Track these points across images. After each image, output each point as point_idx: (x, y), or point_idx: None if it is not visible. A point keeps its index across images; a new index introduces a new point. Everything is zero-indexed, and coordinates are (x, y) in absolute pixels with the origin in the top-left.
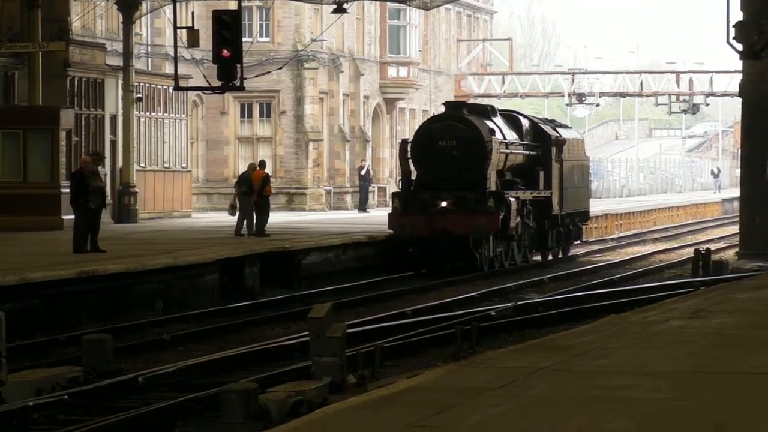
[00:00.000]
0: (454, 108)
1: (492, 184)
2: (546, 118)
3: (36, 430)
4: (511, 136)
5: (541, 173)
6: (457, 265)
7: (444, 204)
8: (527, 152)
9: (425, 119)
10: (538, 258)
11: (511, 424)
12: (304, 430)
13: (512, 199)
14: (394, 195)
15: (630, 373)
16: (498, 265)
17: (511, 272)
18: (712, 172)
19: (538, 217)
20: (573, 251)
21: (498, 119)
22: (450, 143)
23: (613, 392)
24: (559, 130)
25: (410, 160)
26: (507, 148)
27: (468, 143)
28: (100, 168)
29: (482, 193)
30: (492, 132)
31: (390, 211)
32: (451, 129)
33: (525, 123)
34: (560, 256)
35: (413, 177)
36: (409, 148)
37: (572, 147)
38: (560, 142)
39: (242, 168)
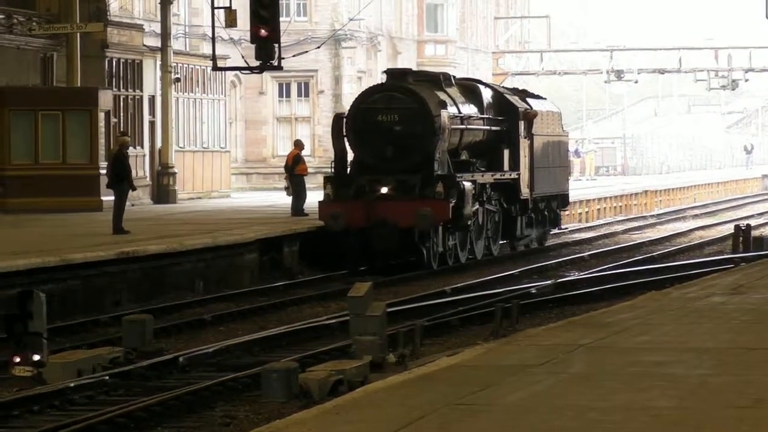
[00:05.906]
0: (397, 76)
1: (442, 165)
2: (515, 88)
3: (77, 410)
4: (469, 108)
5: (506, 152)
6: (410, 261)
7: (384, 190)
8: (489, 127)
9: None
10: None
11: (552, 401)
12: (345, 409)
13: (467, 183)
14: (325, 180)
15: (671, 350)
16: (452, 260)
17: (466, 269)
18: (745, 148)
19: (503, 203)
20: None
21: (452, 89)
22: (391, 118)
23: (654, 368)
24: (529, 101)
25: (345, 138)
26: (462, 123)
27: (412, 118)
28: (138, 148)
29: (429, 176)
30: (442, 104)
31: (321, 199)
32: (392, 101)
33: (486, 93)
34: (535, 245)
35: (350, 159)
36: (344, 124)
37: (545, 120)
38: (530, 116)
39: (281, 148)
